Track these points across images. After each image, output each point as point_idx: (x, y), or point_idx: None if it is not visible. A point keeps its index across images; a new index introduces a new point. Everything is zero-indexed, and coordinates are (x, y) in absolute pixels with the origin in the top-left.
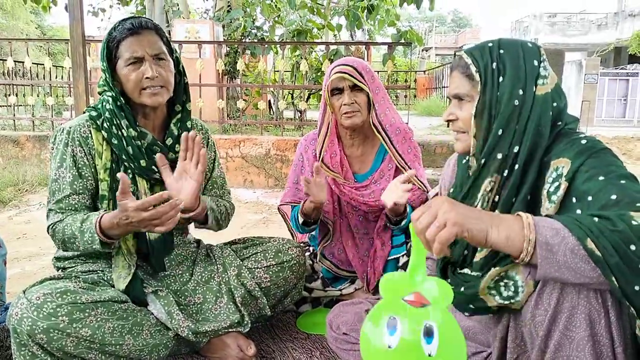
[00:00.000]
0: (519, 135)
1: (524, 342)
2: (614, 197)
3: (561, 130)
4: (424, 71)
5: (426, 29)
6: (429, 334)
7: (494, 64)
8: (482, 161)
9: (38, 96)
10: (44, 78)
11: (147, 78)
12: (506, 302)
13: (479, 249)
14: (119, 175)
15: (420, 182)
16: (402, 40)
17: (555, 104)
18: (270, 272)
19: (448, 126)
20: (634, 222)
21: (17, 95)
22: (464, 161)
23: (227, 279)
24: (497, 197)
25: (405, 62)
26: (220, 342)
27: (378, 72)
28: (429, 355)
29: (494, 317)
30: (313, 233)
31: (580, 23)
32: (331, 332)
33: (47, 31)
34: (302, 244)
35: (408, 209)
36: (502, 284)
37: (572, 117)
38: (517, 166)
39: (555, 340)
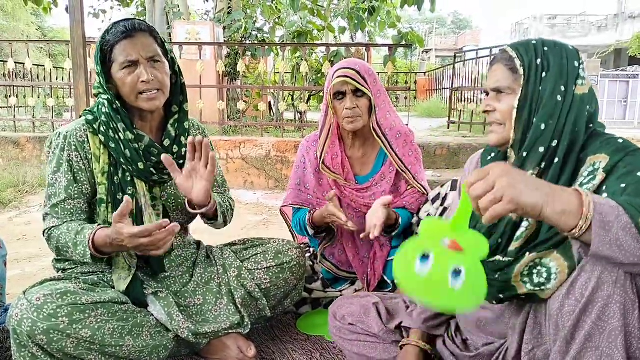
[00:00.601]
0: (558, 130)
1: (541, 335)
2: None
3: (593, 132)
4: (424, 73)
5: (426, 30)
6: (457, 272)
7: (539, 60)
8: (525, 154)
9: (39, 97)
10: (44, 79)
11: (142, 82)
12: (536, 289)
13: (515, 237)
14: (125, 198)
15: (420, 185)
16: (403, 42)
17: (588, 107)
18: (271, 274)
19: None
20: None
21: (17, 97)
22: (489, 157)
23: (227, 280)
24: None
25: (405, 63)
26: (220, 344)
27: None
28: (452, 288)
29: (511, 308)
30: (305, 234)
31: (580, 25)
32: (335, 322)
33: (48, 33)
34: (302, 245)
35: (400, 220)
36: (535, 271)
37: (600, 124)
38: (556, 160)
39: (586, 330)
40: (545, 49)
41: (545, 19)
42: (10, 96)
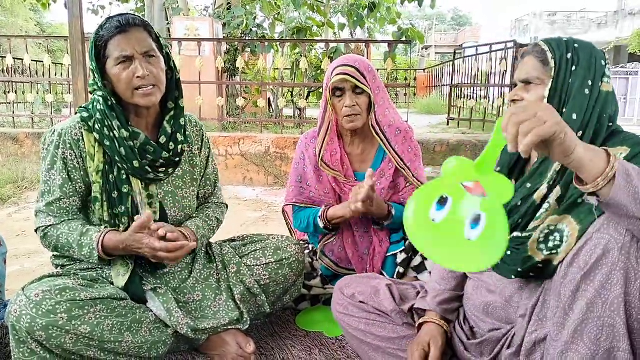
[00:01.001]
0: (584, 122)
1: (546, 318)
2: None
3: (614, 130)
4: (424, 69)
5: (426, 27)
6: (476, 221)
7: (569, 54)
8: None
9: (37, 93)
10: (43, 75)
11: (138, 77)
12: (552, 253)
13: (536, 217)
14: (146, 213)
15: (419, 181)
16: (404, 38)
17: (611, 105)
18: (270, 270)
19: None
20: None
21: (16, 93)
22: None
23: (226, 277)
24: (561, 176)
25: (405, 60)
26: (220, 340)
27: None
28: (468, 239)
29: (521, 292)
30: (311, 230)
31: (580, 22)
32: (343, 299)
33: (47, 28)
34: (301, 242)
35: (393, 212)
36: (550, 237)
37: (618, 126)
38: None
39: (588, 299)
40: (576, 45)
41: (545, 15)
42: (9, 92)
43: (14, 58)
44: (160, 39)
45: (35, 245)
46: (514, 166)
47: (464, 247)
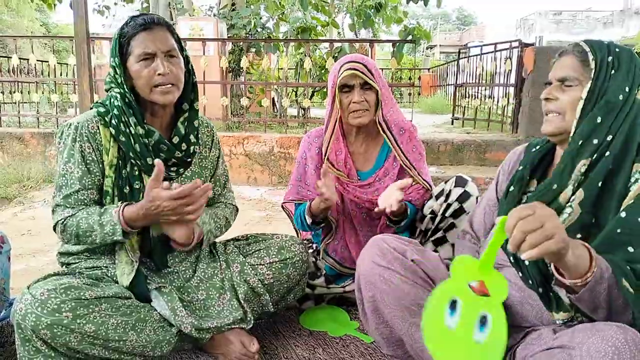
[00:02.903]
0: (615, 127)
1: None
2: None
3: None
4: (428, 69)
5: (431, 26)
6: (483, 323)
7: (610, 57)
8: (580, 142)
9: (43, 93)
10: (48, 75)
11: (159, 74)
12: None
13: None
14: (156, 162)
15: (425, 180)
16: (410, 37)
17: None
18: (273, 269)
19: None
20: None
21: (21, 93)
22: (534, 149)
23: (230, 276)
24: (585, 179)
25: (410, 59)
26: (223, 339)
27: (382, 69)
28: (476, 342)
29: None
30: (306, 228)
31: (585, 21)
32: (388, 249)
33: (52, 29)
34: (305, 241)
35: (409, 209)
36: None
37: None
38: (608, 153)
39: None
40: (617, 49)
41: (550, 14)
42: (14, 92)
43: (19, 58)
44: (182, 41)
45: (41, 244)
46: (537, 166)
47: (473, 350)
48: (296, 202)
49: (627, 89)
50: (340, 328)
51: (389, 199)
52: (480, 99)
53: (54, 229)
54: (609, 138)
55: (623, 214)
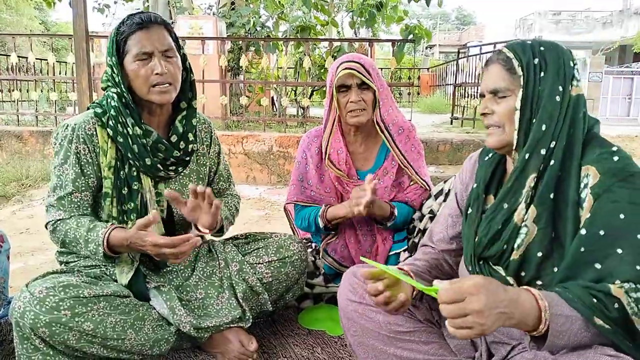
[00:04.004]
0: (556, 131)
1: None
2: (619, 252)
3: (592, 135)
4: (428, 68)
5: (430, 26)
6: None
7: (536, 60)
8: (527, 156)
9: (41, 91)
10: (47, 73)
11: (156, 74)
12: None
13: (516, 245)
14: (152, 213)
15: (423, 180)
16: (411, 36)
17: (583, 108)
18: (272, 268)
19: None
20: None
21: (20, 91)
22: (487, 158)
23: (228, 275)
24: (535, 193)
25: (409, 59)
26: (222, 338)
27: (382, 69)
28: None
29: None
30: (312, 230)
31: (584, 21)
32: (358, 283)
33: (51, 27)
34: (303, 240)
35: (396, 212)
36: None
37: (594, 119)
38: (552, 162)
39: None
40: (542, 48)
41: (549, 14)
42: (13, 90)
43: (18, 56)
44: (179, 40)
45: (39, 242)
46: (490, 181)
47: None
48: (301, 203)
49: (560, 89)
50: (339, 327)
51: (358, 201)
52: (480, 99)
53: (46, 227)
54: (552, 145)
55: (583, 231)
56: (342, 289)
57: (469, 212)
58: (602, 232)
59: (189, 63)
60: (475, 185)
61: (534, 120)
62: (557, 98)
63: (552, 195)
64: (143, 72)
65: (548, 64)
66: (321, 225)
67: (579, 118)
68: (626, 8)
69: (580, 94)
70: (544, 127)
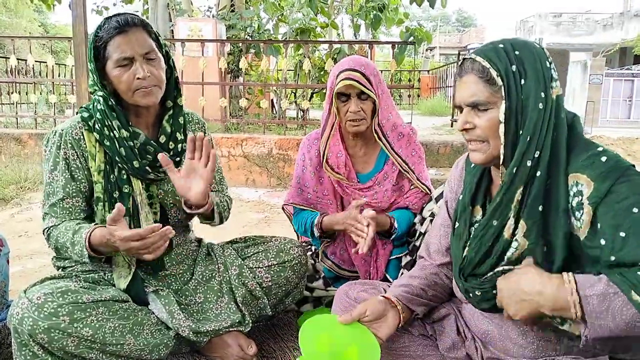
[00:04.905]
0: (541, 139)
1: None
2: None
3: (574, 136)
4: (428, 71)
5: (430, 28)
6: None
7: (514, 67)
8: (514, 170)
9: (41, 94)
10: (46, 76)
11: (138, 79)
12: None
13: (506, 257)
14: (117, 205)
15: (424, 184)
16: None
17: (565, 109)
18: (272, 272)
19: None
20: None
21: (19, 93)
22: (472, 165)
23: (228, 279)
24: (524, 207)
25: (409, 61)
26: (221, 342)
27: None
28: None
29: (517, 327)
30: (308, 235)
31: (585, 23)
32: (348, 302)
33: (50, 29)
34: (303, 244)
35: (395, 223)
36: None
37: (572, 114)
38: (539, 173)
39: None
40: (517, 53)
41: (550, 17)
42: (12, 93)
43: (17, 59)
44: (160, 38)
45: (38, 246)
46: (476, 192)
47: None
48: (298, 206)
49: (542, 95)
50: None
51: (359, 237)
52: None
53: (43, 234)
54: (537, 155)
55: (602, 242)
56: (334, 308)
57: (456, 225)
58: (622, 234)
59: (173, 61)
60: (461, 197)
61: (521, 132)
62: (541, 105)
63: (540, 208)
64: (125, 78)
65: (527, 69)
66: (316, 234)
67: (561, 121)
68: (627, 10)
69: (559, 94)
70: (528, 138)
